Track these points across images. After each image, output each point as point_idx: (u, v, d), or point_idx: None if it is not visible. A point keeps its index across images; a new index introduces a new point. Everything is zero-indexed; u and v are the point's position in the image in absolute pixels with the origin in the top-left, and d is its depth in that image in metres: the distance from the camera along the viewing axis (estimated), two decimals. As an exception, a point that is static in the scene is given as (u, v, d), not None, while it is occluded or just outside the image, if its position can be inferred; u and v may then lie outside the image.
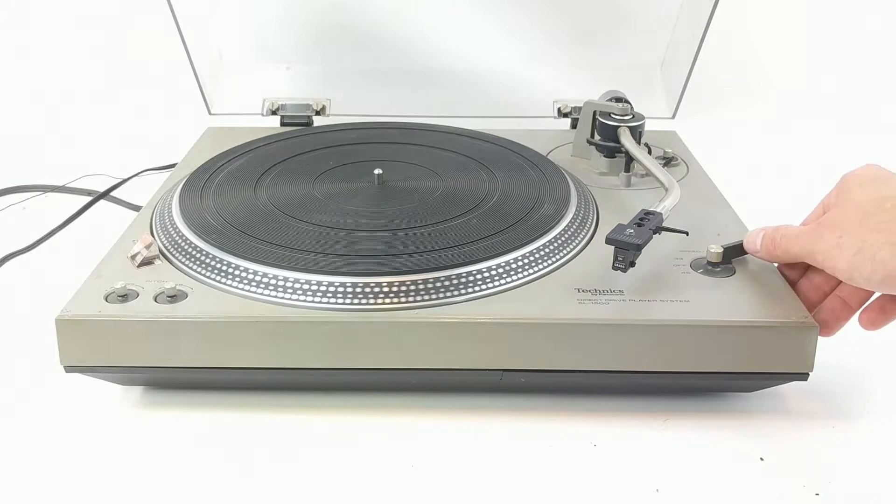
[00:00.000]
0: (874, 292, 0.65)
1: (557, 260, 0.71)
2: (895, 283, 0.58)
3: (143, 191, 0.97)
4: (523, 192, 0.80)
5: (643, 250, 0.66)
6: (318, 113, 1.08)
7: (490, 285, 0.67)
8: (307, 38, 1.13)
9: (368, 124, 1.00)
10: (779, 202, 1.05)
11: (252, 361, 0.65)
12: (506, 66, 1.13)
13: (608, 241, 0.67)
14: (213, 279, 0.68)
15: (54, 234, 0.94)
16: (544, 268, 0.70)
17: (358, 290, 0.65)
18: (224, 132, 1.01)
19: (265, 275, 0.67)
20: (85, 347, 0.64)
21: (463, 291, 0.66)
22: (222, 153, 0.90)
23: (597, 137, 0.92)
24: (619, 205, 0.82)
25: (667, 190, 0.76)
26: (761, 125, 1.28)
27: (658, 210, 0.70)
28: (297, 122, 1.07)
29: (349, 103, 1.10)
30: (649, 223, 0.68)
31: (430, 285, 0.66)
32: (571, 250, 0.73)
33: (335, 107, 1.09)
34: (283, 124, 1.07)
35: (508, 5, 1.11)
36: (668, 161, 0.92)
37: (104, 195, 1.02)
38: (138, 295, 0.66)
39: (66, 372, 0.66)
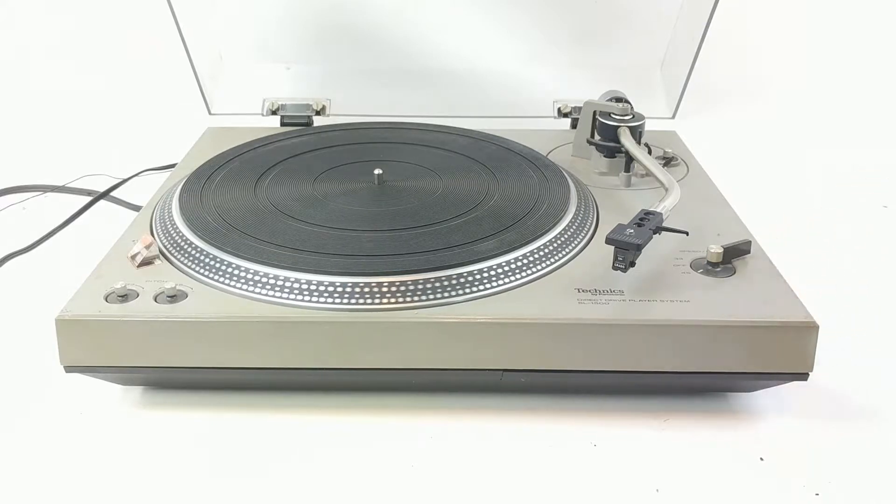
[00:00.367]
0: None
1: (557, 260, 0.71)
2: None
3: (143, 191, 0.97)
4: (523, 192, 0.80)
5: (643, 250, 0.66)
6: (318, 113, 1.08)
7: (490, 285, 0.67)
8: (307, 38, 1.13)
9: (368, 124, 1.00)
10: (779, 202, 1.05)
11: (252, 361, 0.65)
12: (506, 66, 1.13)
13: (608, 241, 0.66)
14: (213, 279, 0.68)
15: (54, 234, 0.94)
16: (544, 268, 0.70)
17: (358, 290, 0.65)
18: (224, 132, 1.01)
19: (265, 275, 0.67)
20: (85, 347, 0.64)
21: (463, 291, 0.66)
22: (222, 153, 0.90)
23: (597, 137, 0.92)
24: (619, 205, 0.82)
25: (667, 190, 0.76)
26: (761, 125, 1.28)
27: (658, 210, 0.70)
28: (297, 122, 1.07)
29: (349, 103, 1.10)
30: (649, 223, 0.68)
31: (430, 285, 0.66)
32: (571, 250, 0.73)
33: (335, 107, 1.09)
34: (283, 124, 1.07)
35: (508, 5, 1.11)
36: (668, 161, 0.92)
37: (104, 195, 1.02)
38: (138, 295, 0.66)
39: (66, 372, 0.66)
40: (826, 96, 1.32)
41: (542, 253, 0.71)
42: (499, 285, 0.67)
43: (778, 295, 0.67)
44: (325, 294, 0.65)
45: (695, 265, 0.71)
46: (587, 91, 0.99)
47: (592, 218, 0.78)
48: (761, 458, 0.63)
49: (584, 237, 0.75)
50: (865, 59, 1.35)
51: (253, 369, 0.65)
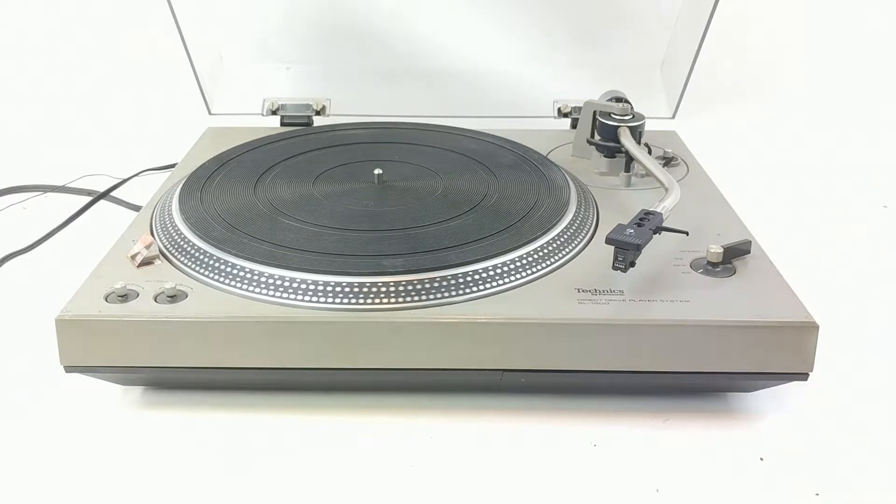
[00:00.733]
0: None
1: (557, 260, 0.71)
2: None
3: (143, 191, 0.97)
4: (523, 192, 0.80)
5: (643, 250, 0.66)
6: (318, 113, 1.08)
7: (490, 285, 0.67)
8: (307, 38, 1.12)
9: (368, 124, 1.00)
10: (779, 202, 1.05)
11: (252, 361, 0.65)
12: (506, 66, 1.13)
13: (608, 241, 0.66)
14: (213, 279, 0.68)
15: (54, 234, 0.94)
16: (544, 268, 0.70)
17: (358, 290, 0.65)
18: (224, 132, 1.01)
19: (265, 275, 0.67)
20: (85, 347, 0.64)
21: (463, 291, 0.66)
22: (222, 153, 0.90)
23: (597, 137, 0.92)
24: (619, 205, 0.82)
25: (667, 190, 0.76)
26: (761, 125, 1.28)
27: (658, 210, 0.70)
28: (297, 122, 1.07)
29: (349, 103, 1.10)
30: (649, 223, 0.68)
31: (429, 285, 0.66)
32: (571, 250, 0.73)
33: (335, 107, 1.09)
34: (283, 124, 1.07)
35: (508, 5, 1.11)
36: (668, 161, 0.92)
37: (104, 195, 1.02)
38: (138, 295, 0.66)
39: (66, 372, 0.66)
40: (826, 96, 1.32)
41: (542, 253, 0.71)
42: (499, 285, 0.67)
43: (778, 295, 0.67)
44: (325, 294, 0.65)
45: (695, 265, 0.71)
46: (587, 91, 0.99)
47: (592, 218, 0.78)
48: (761, 458, 0.63)
49: (584, 237, 0.75)
50: (865, 59, 1.35)
51: (253, 369, 0.65)
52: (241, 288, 0.67)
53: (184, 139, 1.01)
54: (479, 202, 0.79)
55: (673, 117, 1.09)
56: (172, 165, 0.96)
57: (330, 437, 0.65)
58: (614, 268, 0.67)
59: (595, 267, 0.70)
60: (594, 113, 0.92)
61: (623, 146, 0.87)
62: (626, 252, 0.66)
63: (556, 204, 0.78)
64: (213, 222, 0.74)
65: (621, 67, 1.10)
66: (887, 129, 1.26)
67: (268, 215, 0.76)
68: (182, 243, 0.72)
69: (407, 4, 1.10)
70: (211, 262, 0.69)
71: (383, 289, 0.66)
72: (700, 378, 0.66)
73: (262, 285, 0.66)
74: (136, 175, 1.07)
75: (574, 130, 0.97)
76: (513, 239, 0.71)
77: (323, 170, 0.86)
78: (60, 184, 1.06)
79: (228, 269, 0.68)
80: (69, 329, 0.64)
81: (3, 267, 0.88)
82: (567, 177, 0.84)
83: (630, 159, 0.87)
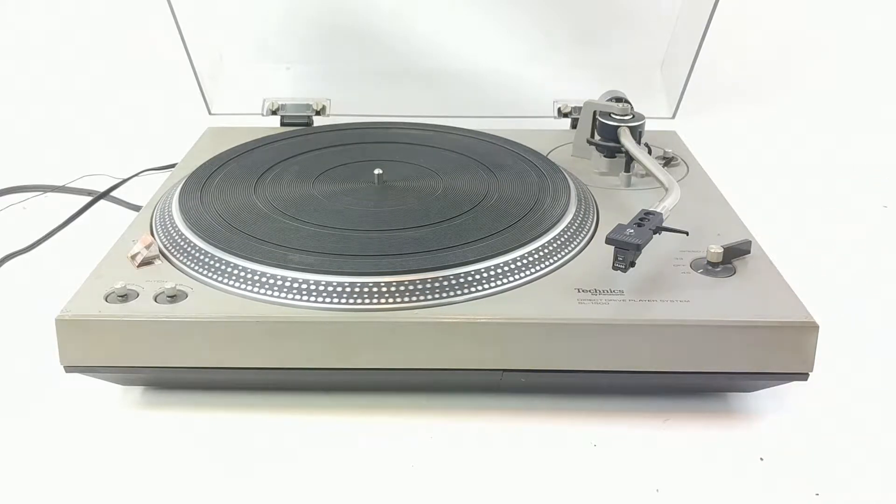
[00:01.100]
0: None
1: (557, 260, 0.71)
2: None
3: (143, 191, 0.97)
4: (523, 192, 0.81)
5: (643, 250, 0.66)
6: (318, 113, 1.08)
7: (490, 285, 0.67)
8: (307, 38, 1.12)
9: (368, 124, 1.00)
10: (779, 202, 1.05)
11: (252, 361, 0.65)
12: (506, 66, 1.13)
13: (608, 241, 0.66)
14: (213, 279, 0.68)
15: (54, 234, 0.94)
16: (544, 268, 0.70)
17: (358, 290, 0.65)
18: (224, 132, 1.01)
19: (265, 275, 0.67)
20: (85, 347, 0.64)
21: (463, 291, 0.66)
22: (222, 153, 0.90)
23: (597, 137, 0.92)
24: (619, 205, 0.82)
25: (667, 190, 0.76)
26: (761, 125, 1.28)
27: (658, 210, 0.70)
28: (297, 122, 1.07)
29: (349, 103, 1.10)
30: (649, 223, 0.68)
31: (429, 285, 0.66)
32: (571, 250, 0.73)
33: (335, 107, 1.09)
34: (283, 124, 1.07)
35: (508, 5, 1.11)
36: (668, 161, 0.92)
37: (104, 195, 1.02)
38: (138, 295, 0.66)
39: (66, 372, 0.66)
40: (826, 96, 1.32)
41: (542, 253, 0.71)
42: (499, 285, 0.67)
43: (778, 295, 0.67)
44: (325, 294, 0.65)
45: (695, 265, 0.71)
46: (587, 91, 0.99)
47: (592, 218, 0.78)
48: (761, 458, 0.63)
49: (584, 237, 0.75)
50: (865, 59, 1.35)
51: (253, 369, 0.65)
52: (241, 288, 0.67)
53: (184, 139, 1.01)
54: (479, 202, 0.79)
55: (673, 117, 1.09)
56: (172, 165, 0.96)
57: (330, 437, 0.65)
58: (614, 268, 0.67)
59: (595, 267, 0.70)
60: (594, 113, 0.92)
61: (623, 146, 0.87)
62: (626, 252, 0.66)
63: (556, 204, 0.78)
64: (213, 222, 0.74)
65: (621, 67, 1.10)
66: (887, 129, 1.26)
67: (268, 215, 0.76)
68: (182, 243, 0.72)
69: (407, 4, 1.10)
70: (211, 262, 0.69)
71: (383, 289, 0.66)
72: (700, 378, 0.66)
73: (262, 285, 0.66)
74: (136, 175, 1.07)
75: (574, 130, 0.97)
76: (513, 239, 0.71)
77: (323, 170, 0.86)
78: (60, 184, 1.06)
79: (228, 269, 0.68)
80: (69, 329, 0.64)
81: (3, 267, 0.88)
82: (567, 177, 0.84)
83: (630, 159, 0.87)
